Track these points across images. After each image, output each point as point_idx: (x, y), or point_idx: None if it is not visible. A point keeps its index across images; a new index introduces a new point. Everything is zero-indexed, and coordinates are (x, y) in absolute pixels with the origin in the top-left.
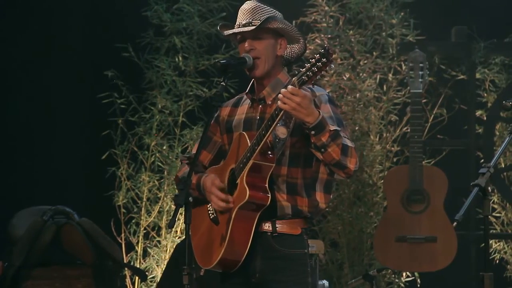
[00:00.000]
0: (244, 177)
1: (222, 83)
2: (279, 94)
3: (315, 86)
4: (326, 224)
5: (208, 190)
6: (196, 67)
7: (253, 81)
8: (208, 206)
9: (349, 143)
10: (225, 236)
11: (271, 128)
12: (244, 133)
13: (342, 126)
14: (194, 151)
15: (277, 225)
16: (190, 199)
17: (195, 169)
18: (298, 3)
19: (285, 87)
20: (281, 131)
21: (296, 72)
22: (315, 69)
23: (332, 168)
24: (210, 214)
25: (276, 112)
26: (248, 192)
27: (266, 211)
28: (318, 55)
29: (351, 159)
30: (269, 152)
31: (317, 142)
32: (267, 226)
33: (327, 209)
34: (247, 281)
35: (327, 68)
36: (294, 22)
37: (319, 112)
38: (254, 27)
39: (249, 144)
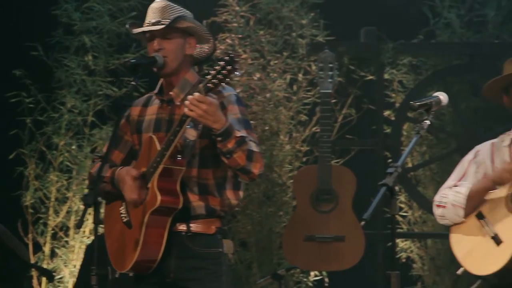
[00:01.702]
0: (155, 182)
1: (132, 83)
2: (186, 101)
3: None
4: (235, 224)
5: (122, 180)
6: (106, 67)
7: (162, 81)
8: (121, 208)
9: (254, 147)
10: (138, 240)
11: (179, 134)
12: (153, 136)
13: (249, 128)
14: (107, 150)
15: (191, 225)
16: (99, 199)
17: (110, 164)
18: (209, 3)
19: (192, 88)
20: (191, 134)
21: (206, 72)
22: (220, 76)
23: (237, 172)
24: (123, 217)
25: (183, 118)
26: (159, 197)
27: (180, 212)
28: (223, 62)
29: (256, 164)
30: (179, 156)
31: (223, 148)
32: (181, 227)
33: (237, 208)
34: (162, 281)
35: (233, 75)
36: (204, 21)
37: (226, 119)
38: (163, 26)
39: (158, 148)
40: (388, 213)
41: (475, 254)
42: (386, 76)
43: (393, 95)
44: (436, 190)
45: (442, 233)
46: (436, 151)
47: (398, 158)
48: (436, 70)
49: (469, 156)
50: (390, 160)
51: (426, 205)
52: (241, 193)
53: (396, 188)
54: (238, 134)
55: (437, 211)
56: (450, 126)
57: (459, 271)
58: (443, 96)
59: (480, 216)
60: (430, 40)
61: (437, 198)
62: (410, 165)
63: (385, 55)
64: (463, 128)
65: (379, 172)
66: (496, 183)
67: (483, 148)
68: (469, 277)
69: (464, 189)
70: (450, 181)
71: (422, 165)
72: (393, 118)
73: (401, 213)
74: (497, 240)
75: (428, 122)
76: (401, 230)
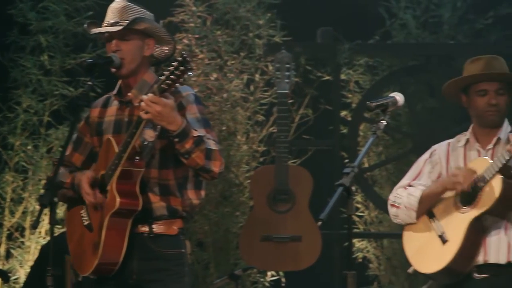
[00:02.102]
0: (114, 185)
1: (89, 83)
2: (141, 102)
3: (182, 85)
4: (192, 224)
5: (79, 184)
6: (62, 66)
7: (120, 82)
8: (82, 212)
9: (213, 146)
10: (99, 243)
11: (136, 136)
12: (111, 138)
13: (209, 127)
14: (67, 152)
15: (153, 227)
16: (55, 199)
17: (71, 169)
18: (165, 3)
19: (149, 89)
20: (149, 134)
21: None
22: (173, 77)
23: (197, 172)
24: (84, 221)
25: (139, 120)
26: (118, 200)
27: (142, 214)
28: (176, 62)
29: (215, 162)
30: (137, 158)
31: (181, 149)
32: (143, 228)
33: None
34: (125, 282)
35: (186, 75)
36: (161, 22)
37: (183, 119)
38: (121, 27)
39: (116, 150)
40: (344, 213)
41: (423, 252)
42: (342, 76)
43: (350, 95)
44: (392, 190)
45: (398, 233)
46: (392, 151)
47: (355, 158)
48: (392, 70)
49: (425, 155)
50: (346, 160)
51: (382, 205)
52: (202, 193)
53: (353, 188)
54: (196, 134)
55: (391, 210)
56: (406, 126)
57: (410, 270)
58: (399, 97)
59: (430, 215)
60: (386, 40)
61: (392, 198)
62: (366, 165)
63: (341, 55)
64: (419, 129)
65: (335, 172)
66: (449, 189)
67: (439, 148)
68: (424, 277)
69: (417, 192)
70: (405, 180)
71: (378, 165)
72: (349, 119)
73: (357, 213)
74: (443, 239)
75: (384, 122)
76: (357, 230)
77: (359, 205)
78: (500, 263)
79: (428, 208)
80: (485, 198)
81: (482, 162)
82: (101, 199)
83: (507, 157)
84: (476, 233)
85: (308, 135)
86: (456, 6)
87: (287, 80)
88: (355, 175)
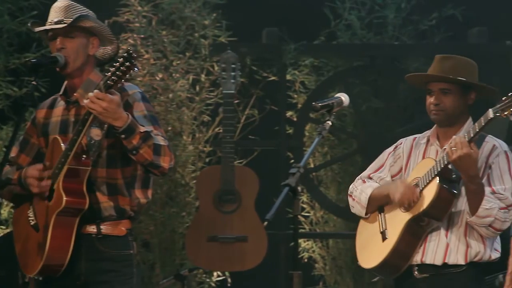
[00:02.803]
0: (60, 183)
1: (33, 83)
2: (86, 99)
3: (128, 84)
4: (138, 225)
5: (24, 177)
6: (6, 66)
7: (66, 82)
8: (28, 212)
9: (162, 141)
10: (44, 243)
11: (82, 133)
12: (57, 137)
13: (157, 124)
14: (13, 154)
15: (101, 227)
16: (5, 201)
17: (17, 168)
18: (110, 3)
19: (95, 87)
20: (95, 133)
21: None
22: (119, 73)
23: (146, 168)
24: (31, 221)
25: (86, 117)
26: (64, 198)
27: (90, 214)
28: (121, 59)
29: (165, 158)
30: (84, 156)
31: (128, 145)
32: (91, 228)
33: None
34: (72, 283)
35: (132, 71)
36: (106, 21)
37: (128, 115)
38: (65, 24)
39: (63, 149)
40: (290, 213)
41: (367, 247)
42: (288, 77)
43: (295, 96)
44: (337, 190)
45: (344, 233)
46: (338, 151)
47: (301, 159)
48: (337, 71)
49: (390, 148)
50: (292, 161)
51: (328, 205)
52: (150, 192)
53: (299, 188)
54: (143, 129)
55: (349, 200)
56: (351, 126)
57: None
58: (344, 97)
59: (380, 210)
60: (332, 41)
61: (351, 188)
62: (312, 165)
63: (287, 56)
64: (364, 129)
65: (281, 172)
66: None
67: (405, 142)
68: (369, 276)
69: (368, 191)
70: (367, 171)
71: (324, 165)
72: (295, 119)
73: (303, 213)
74: (384, 235)
75: (329, 123)
76: (303, 230)
77: (305, 205)
78: (436, 264)
79: (377, 207)
80: (421, 201)
81: (428, 163)
82: (46, 187)
83: (446, 162)
84: (412, 233)
85: (254, 136)
86: (400, 7)
87: (233, 81)
88: (301, 175)
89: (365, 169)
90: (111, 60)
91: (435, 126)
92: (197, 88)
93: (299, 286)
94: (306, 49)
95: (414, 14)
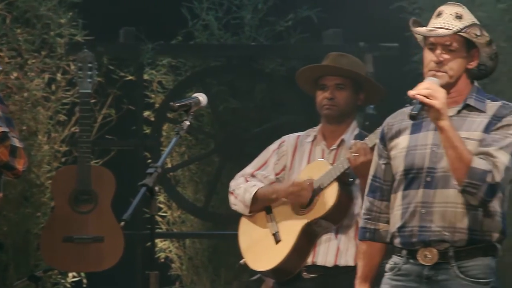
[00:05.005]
0: None
1: None
2: None
3: None
4: None
5: None
6: None
7: None
8: None
9: (17, 143)
10: None
11: None
12: None
13: (12, 126)
14: None
15: None
16: None
17: None
18: None
19: None
20: None
21: None
22: None
23: (1, 169)
24: None
25: None
26: None
27: None
28: None
29: (20, 160)
30: None
31: None
32: None
33: None
34: None
35: None
36: None
37: None
38: None
39: None
40: (147, 213)
41: (256, 248)
42: (145, 76)
43: (153, 95)
44: (194, 190)
45: (201, 233)
46: (195, 151)
47: (158, 159)
48: (195, 71)
49: (274, 145)
50: (150, 161)
51: (185, 205)
52: (1, 194)
53: (156, 188)
54: (0, 129)
55: (230, 198)
56: (208, 126)
57: (242, 261)
58: (202, 97)
59: (268, 210)
60: (189, 41)
61: (232, 185)
62: (169, 165)
63: (144, 55)
64: (221, 129)
65: (139, 172)
66: (283, 198)
67: (288, 140)
68: (227, 276)
69: (253, 190)
70: (249, 168)
71: (181, 165)
72: (152, 119)
73: (160, 213)
74: (276, 238)
75: (187, 123)
76: (160, 230)
77: (162, 205)
78: (327, 266)
79: (263, 206)
80: (320, 204)
81: (322, 166)
82: None
83: (346, 166)
84: (309, 236)
85: (111, 135)
86: (257, 8)
87: (89, 80)
88: (158, 175)
89: (224, 169)
90: None
91: (320, 125)
92: (53, 87)
93: (155, 286)
94: (164, 49)
95: (270, 15)
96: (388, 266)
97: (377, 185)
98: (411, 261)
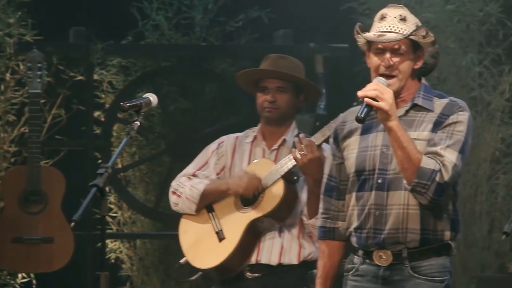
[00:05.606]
0: None
1: None
2: None
3: None
4: None
5: None
6: None
7: None
8: None
9: None
10: None
11: None
12: None
13: None
14: None
15: None
16: None
17: None
18: None
19: None
20: None
21: None
22: None
23: None
24: None
25: None
26: None
27: None
28: None
29: None
30: None
31: None
32: None
33: None
34: None
35: None
36: None
37: None
38: None
39: None
40: (98, 214)
41: (199, 246)
42: (95, 76)
43: (103, 96)
44: (145, 190)
45: (151, 233)
46: (146, 151)
47: (109, 159)
48: (145, 71)
49: (213, 145)
50: (100, 161)
51: (136, 205)
52: None
53: (106, 188)
54: None
55: (172, 198)
56: (159, 127)
57: (182, 260)
58: (152, 97)
59: (210, 209)
60: (139, 41)
61: (174, 185)
62: (120, 165)
63: (94, 55)
64: (172, 129)
65: (89, 172)
66: (232, 190)
67: (227, 140)
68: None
69: (201, 186)
70: (190, 169)
71: (132, 165)
72: (103, 119)
73: (111, 214)
74: (220, 236)
75: (138, 123)
76: (110, 231)
77: (112, 206)
78: (271, 264)
79: (207, 204)
80: (266, 201)
81: (266, 164)
82: None
83: (291, 166)
84: (253, 234)
85: (61, 136)
86: (207, 8)
87: (39, 80)
88: (108, 175)
89: (174, 169)
90: None
91: (259, 125)
92: (2, 87)
93: (106, 287)
94: (114, 49)
95: (221, 15)
96: (347, 266)
97: (333, 185)
98: (368, 261)
